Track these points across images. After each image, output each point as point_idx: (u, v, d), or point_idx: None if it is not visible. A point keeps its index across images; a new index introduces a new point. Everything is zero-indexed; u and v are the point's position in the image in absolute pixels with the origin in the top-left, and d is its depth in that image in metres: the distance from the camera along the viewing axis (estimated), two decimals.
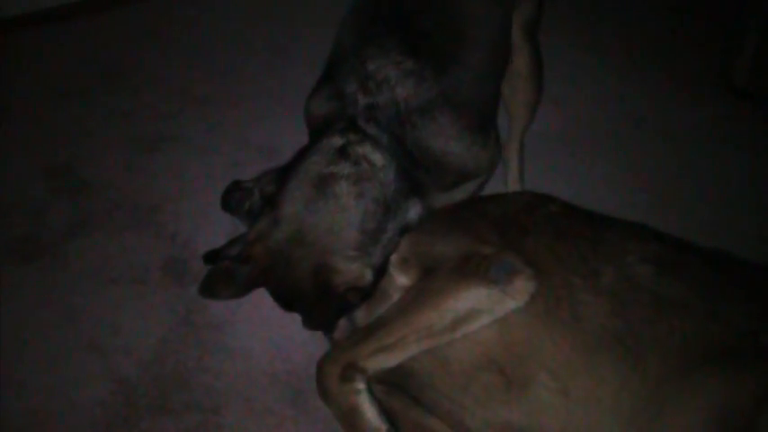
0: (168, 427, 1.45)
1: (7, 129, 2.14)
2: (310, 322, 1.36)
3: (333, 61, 1.48)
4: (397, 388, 1.26)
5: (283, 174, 1.34)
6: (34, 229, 1.84)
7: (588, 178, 2.00)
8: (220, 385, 1.51)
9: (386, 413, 1.20)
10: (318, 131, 1.38)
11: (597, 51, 2.44)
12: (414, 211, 1.34)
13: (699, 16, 2.61)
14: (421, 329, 1.17)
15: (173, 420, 1.46)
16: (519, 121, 1.83)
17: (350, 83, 1.38)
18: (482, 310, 1.16)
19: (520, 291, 1.15)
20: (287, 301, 1.34)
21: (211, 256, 1.33)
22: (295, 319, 1.39)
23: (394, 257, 1.30)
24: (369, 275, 1.26)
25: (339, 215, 1.27)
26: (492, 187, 1.68)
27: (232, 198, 1.41)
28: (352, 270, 1.25)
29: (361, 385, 1.18)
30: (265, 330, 1.60)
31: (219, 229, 1.74)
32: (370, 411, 1.17)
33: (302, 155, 1.36)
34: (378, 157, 1.32)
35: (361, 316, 1.32)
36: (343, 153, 1.31)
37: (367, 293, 1.28)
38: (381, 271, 1.29)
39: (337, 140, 1.33)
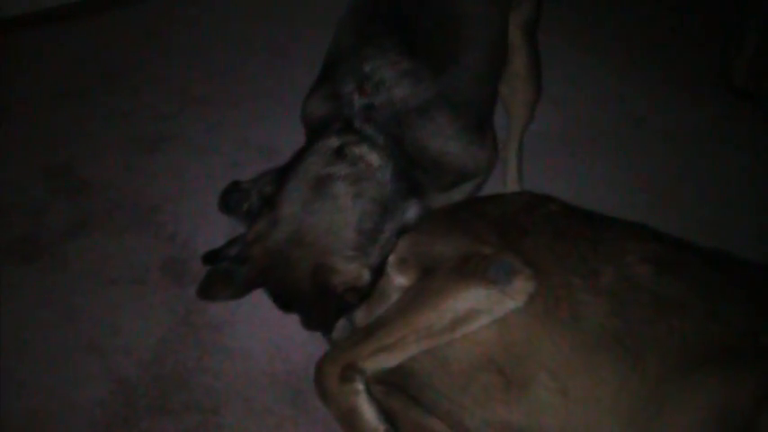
0: (168, 428, 1.45)
1: (7, 129, 2.14)
2: (309, 323, 1.36)
3: (330, 61, 1.48)
4: (397, 388, 1.26)
5: (281, 175, 1.34)
6: (34, 230, 1.84)
7: (588, 178, 2.00)
8: (220, 385, 1.52)
9: (385, 413, 1.20)
10: (316, 132, 1.39)
11: (597, 51, 2.44)
12: (411, 212, 1.34)
13: (698, 16, 2.61)
14: (420, 330, 1.17)
15: (172, 420, 1.46)
16: (518, 121, 1.84)
17: (347, 83, 1.38)
18: (481, 310, 1.16)
19: (519, 291, 1.15)
20: (285, 301, 1.34)
21: (210, 257, 1.33)
22: (294, 319, 1.39)
23: (392, 258, 1.30)
24: (367, 276, 1.26)
25: (337, 215, 1.27)
26: (491, 187, 1.68)
27: (230, 199, 1.41)
28: (351, 270, 1.25)
29: (360, 386, 1.18)
30: (265, 331, 1.60)
31: (219, 229, 1.73)
32: (369, 412, 1.17)
33: (300, 156, 1.36)
34: (375, 158, 1.32)
35: (361, 317, 1.32)
36: (340, 154, 1.31)
37: (365, 294, 1.28)
38: (379, 271, 1.29)
39: (334, 141, 1.33)
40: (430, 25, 1.44)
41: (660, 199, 1.95)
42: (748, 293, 1.15)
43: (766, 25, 2.14)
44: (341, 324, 1.35)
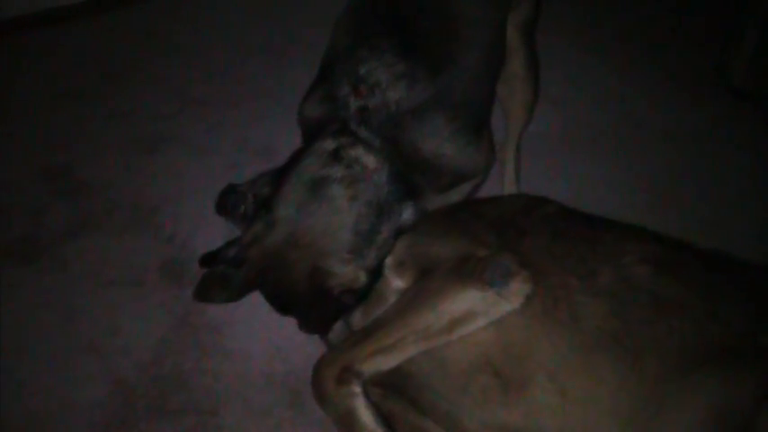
0: (166, 429, 1.45)
1: (7, 129, 2.15)
2: (306, 325, 1.36)
3: (327, 63, 1.48)
4: (395, 390, 1.26)
5: (277, 177, 1.35)
6: (33, 230, 1.84)
7: (588, 178, 1.99)
8: (219, 386, 1.52)
9: (382, 416, 1.20)
10: (312, 134, 1.39)
11: (597, 51, 2.44)
12: (408, 214, 1.34)
13: (698, 16, 2.60)
14: (417, 331, 1.17)
15: (171, 421, 1.46)
16: (516, 122, 1.83)
17: (342, 86, 1.38)
18: (478, 312, 1.15)
19: (516, 293, 1.15)
20: (282, 304, 1.34)
21: (207, 260, 1.33)
22: (293, 320, 1.39)
23: (390, 260, 1.30)
24: (363, 277, 1.26)
25: (333, 218, 1.27)
26: (488, 189, 1.68)
27: (227, 201, 1.41)
28: (347, 272, 1.26)
29: (357, 388, 1.17)
30: (264, 332, 1.61)
31: (218, 230, 1.73)
32: (366, 414, 1.17)
33: (296, 158, 1.36)
34: (371, 160, 1.32)
35: (358, 319, 1.32)
36: (335, 156, 1.31)
37: (362, 295, 1.28)
38: (376, 273, 1.29)
39: (330, 143, 1.33)
40: (427, 26, 1.43)
41: (660, 199, 1.95)
42: (747, 294, 1.15)
43: (765, 25, 2.13)
44: (338, 326, 1.35)
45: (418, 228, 1.34)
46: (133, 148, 2.08)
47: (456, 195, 1.47)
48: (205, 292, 1.32)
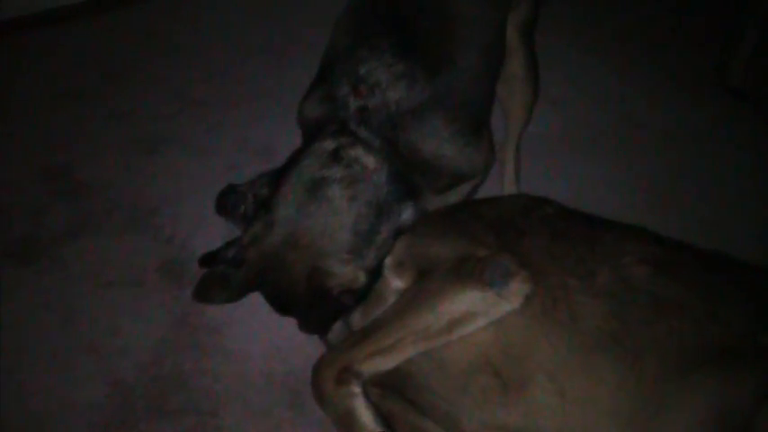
0: (166, 429, 1.45)
1: (6, 129, 2.15)
2: (306, 325, 1.36)
3: (326, 63, 1.48)
4: (394, 391, 1.26)
5: (277, 177, 1.35)
6: (33, 231, 1.84)
7: (588, 179, 1.99)
8: (218, 387, 1.52)
9: (381, 416, 1.20)
10: (311, 134, 1.39)
11: (597, 52, 2.44)
12: (407, 214, 1.34)
13: (698, 16, 2.60)
14: (417, 332, 1.17)
15: (170, 422, 1.46)
16: (515, 122, 1.83)
17: (342, 86, 1.38)
18: (477, 312, 1.15)
19: (515, 293, 1.15)
20: (282, 304, 1.34)
21: (206, 260, 1.33)
22: (292, 321, 1.39)
23: (389, 261, 1.30)
24: (362, 278, 1.27)
25: (332, 218, 1.27)
26: (487, 189, 1.67)
27: (226, 202, 1.42)
28: (346, 273, 1.26)
29: (356, 388, 1.17)
30: (263, 332, 1.60)
31: (217, 230, 1.73)
32: (365, 414, 1.17)
33: (295, 158, 1.36)
34: (370, 160, 1.32)
35: (357, 319, 1.32)
36: (335, 156, 1.31)
37: (361, 296, 1.28)
38: (375, 273, 1.29)
39: (329, 144, 1.33)
40: (427, 26, 1.43)
41: (660, 199, 1.95)
42: (747, 294, 1.15)
43: (763, 25, 2.13)
44: (337, 326, 1.35)
45: (417, 228, 1.34)
46: (133, 148, 2.08)
47: (455, 196, 1.47)
48: (204, 293, 1.32)
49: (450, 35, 1.45)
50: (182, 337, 1.60)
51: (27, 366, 1.55)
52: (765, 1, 2.13)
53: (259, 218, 1.30)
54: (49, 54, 2.44)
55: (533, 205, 1.34)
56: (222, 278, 1.31)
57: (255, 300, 1.41)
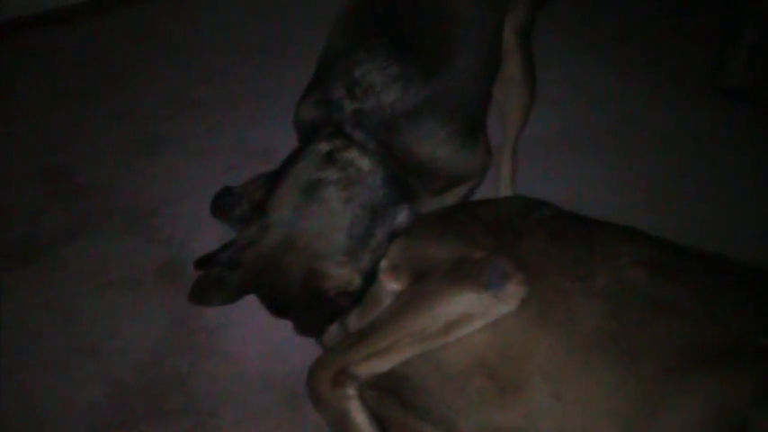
0: (165, 430, 1.46)
1: (5, 130, 2.15)
2: (302, 328, 1.36)
3: (322, 65, 1.48)
4: (391, 393, 1.25)
5: (272, 179, 1.35)
6: (32, 231, 1.85)
7: (587, 180, 1.99)
8: (216, 388, 1.52)
9: (377, 419, 1.20)
10: (307, 137, 1.39)
11: (596, 52, 2.43)
12: (403, 216, 1.34)
13: (698, 17, 2.60)
14: (413, 334, 1.17)
15: (169, 423, 1.46)
16: (512, 125, 1.83)
17: (337, 88, 1.38)
18: (474, 314, 1.15)
19: (512, 295, 1.15)
20: (278, 307, 1.34)
21: (202, 262, 1.33)
22: (289, 323, 1.39)
23: (384, 263, 1.30)
24: (358, 280, 1.27)
25: (328, 220, 1.27)
26: (484, 192, 1.67)
27: (222, 204, 1.42)
28: (342, 275, 1.26)
29: (352, 391, 1.17)
30: (261, 333, 1.60)
31: (216, 232, 1.73)
32: (360, 417, 1.17)
33: (290, 160, 1.36)
34: (365, 163, 1.32)
35: (354, 321, 1.32)
36: (330, 159, 1.31)
37: (357, 298, 1.28)
38: (371, 276, 1.29)
39: (324, 146, 1.33)
40: (423, 28, 1.43)
41: (659, 200, 1.94)
42: (745, 295, 1.14)
43: (761, 26, 2.13)
44: (334, 329, 1.35)
45: (413, 230, 1.34)
46: (132, 149, 2.08)
47: (451, 198, 1.47)
48: (200, 295, 1.32)
49: (447, 37, 1.44)
50: (180, 338, 1.61)
51: (26, 367, 1.56)
52: (763, 1, 2.13)
53: (255, 220, 1.31)
54: (48, 54, 2.44)
55: (530, 207, 1.34)
56: (218, 280, 1.30)
57: (254, 302, 1.41)
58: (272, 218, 1.29)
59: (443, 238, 1.27)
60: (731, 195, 1.96)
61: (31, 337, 1.61)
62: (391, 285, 1.27)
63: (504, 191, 1.88)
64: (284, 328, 1.51)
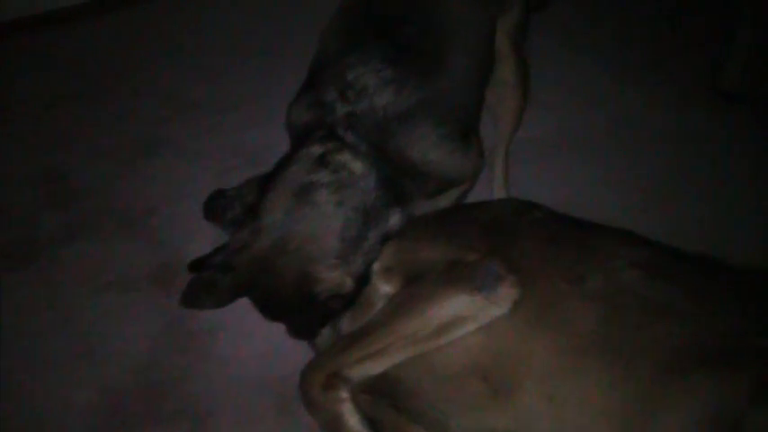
0: None
1: (4, 131, 2.16)
2: (294, 331, 1.36)
3: (315, 68, 1.48)
4: (384, 397, 1.25)
5: (265, 182, 1.35)
6: (28, 233, 1.85)
7: (584, 181, 1.98)
8: (211, 391, 1.52)
9: (370, 422, 1.20)
10: (299, 140, 1.39)
11: (594, 53, 2.43)
12: (395, 219, 1.34)
13: (697, 17, 2.59)
14: (405, 337, 1.17)
15: (164, 426, 1.46)
16: (505, 128, 1.83)
17: (330, 91, 1.38)
18: (466, 317, 1.15)
19: (504, 298, 1.14)
20: (270, 310, 1.34)
21: (195, 266, 1.33)
22: (283, 326, 1.39)
23: (377, 266, 1.30)
24: (350, 283, 1.26)
25: (320, 223, 1.27)
26: (477, 194, 1.67)
27: (214, 207, 1.42)
28: (334, 278, 1.26)
29: (344, 394, 1.17)
30: (255, 337, 1.60)
31: (211, 235, 1.73)
32: (353, 420, 1.17)
33: (283, 164, 1.36)
34: (357, 166, 1.32)
35: (346, 324, 1.32)
36: (322, 161, 1.31)
37: (349, 301, 1.28)
38: (363, 279, 1.28)
39: (317, 149, 1.33)
40: (416, 31, 1.43)
41: (656, 202, 1.93)
42: (739, 296, 1.14)
43: (759, 27, 2.12)
44: (326, 332, 1.35)
45: (406, 233, 1.34)
46: (127, 151, 2.09)
47: (444, 201, 1.47)
48: (192, 298, 1.32)
49: (439, 40, 1.44)
50: (175, 342, 1.61)
51: (21, 370, 1.56)
52: (759, 2, 2.12)
53: (247, 223, 1.30)
54: (47, 56, 2.45)
55: (523, 209, 1.34)
56: (209, 284, 1.30)
57: (247, 305, 1.40)
58: (264, 221, 1.28)
59: (436, 241, 1.27)
60: (729, 196, 1.96)
61: (26, 339, 1.62)
62: (384, 288, 1.27)
63: (499, 193, 1.88)
64: (278, 331, 1.51)
